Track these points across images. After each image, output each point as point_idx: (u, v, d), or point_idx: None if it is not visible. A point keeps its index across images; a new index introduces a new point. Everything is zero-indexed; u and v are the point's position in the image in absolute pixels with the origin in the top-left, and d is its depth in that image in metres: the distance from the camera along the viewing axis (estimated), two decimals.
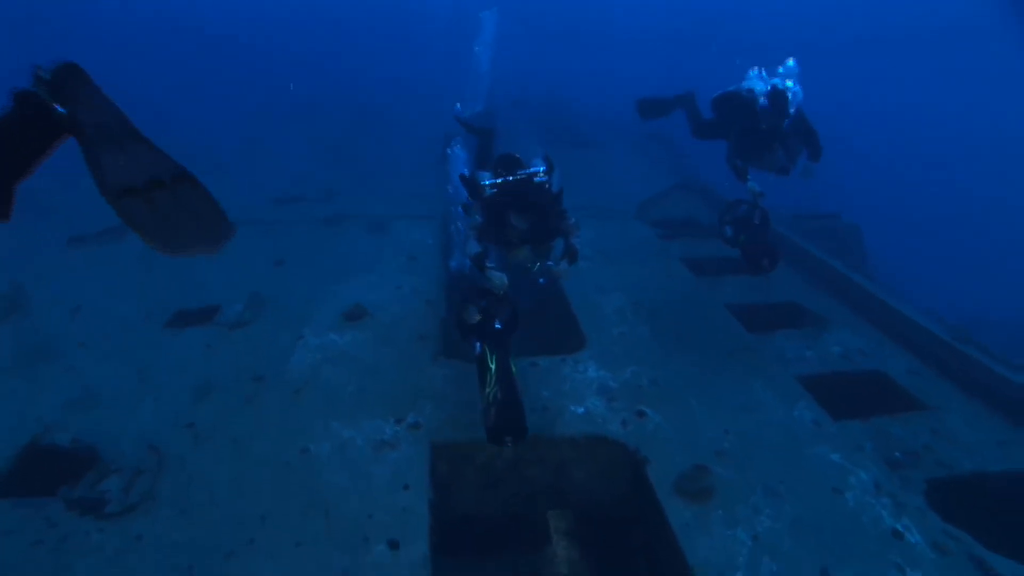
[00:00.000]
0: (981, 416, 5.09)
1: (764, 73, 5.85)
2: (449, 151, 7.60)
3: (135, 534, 3.61)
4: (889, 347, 6.04)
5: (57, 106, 1.72)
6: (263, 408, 4.56)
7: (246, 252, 7.05)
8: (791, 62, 5.75)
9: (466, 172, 5.14)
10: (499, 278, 4.68)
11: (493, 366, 4.08)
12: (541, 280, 5.02)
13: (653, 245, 7.75)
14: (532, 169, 4.72)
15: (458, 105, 9.41)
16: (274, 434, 4.27)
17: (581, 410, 4.45)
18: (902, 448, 4.62)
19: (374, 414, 4.40)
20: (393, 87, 17.68)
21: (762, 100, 5.67)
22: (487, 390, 3.99)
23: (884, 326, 6.34)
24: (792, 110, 5.65)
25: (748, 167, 5.98)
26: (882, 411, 4.99)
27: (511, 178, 4.68)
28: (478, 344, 4.30)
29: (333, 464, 3.99)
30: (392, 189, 9.40)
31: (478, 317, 4.40)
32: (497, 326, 4.36)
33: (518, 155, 4.91)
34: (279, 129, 13.43)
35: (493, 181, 4.69)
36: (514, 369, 4.17)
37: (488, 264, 4.75)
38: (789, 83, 5.67)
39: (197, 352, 5.40)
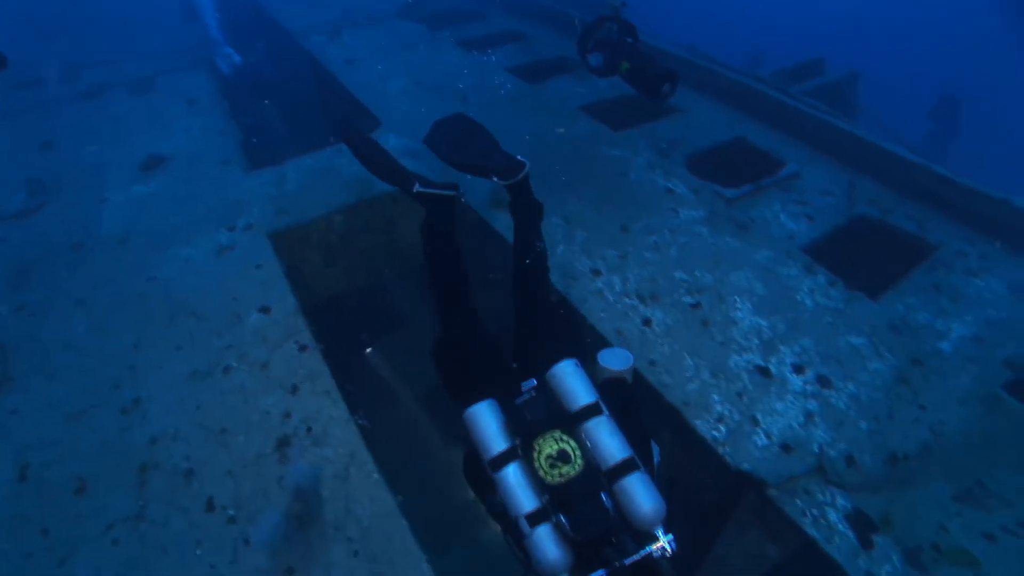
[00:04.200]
0: (717, 108, 6.17)
1: None
2: None
3: (10, 409, 3.54)
4: None
5: None
6: (94, 266, 4.48)
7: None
8: None
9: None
10: None
11: None
12: None
13: (424, 35, 7.90)
14: None
15: None
16: (115, 280, 4.26)
17: None
18: (666, 140, 5.52)
19: (206, 231, 4.50)
20: None
21: None
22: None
23: None
24: None
25: None
26: (652, 118, 5.87)
27: None
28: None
29: (183, 278, 4.12)
30: (144, 51, 8.54)
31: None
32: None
33: None
34: None
35: None
36: None
37: None
38: None
39: None
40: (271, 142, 6.19)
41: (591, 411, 2.22)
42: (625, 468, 2.09)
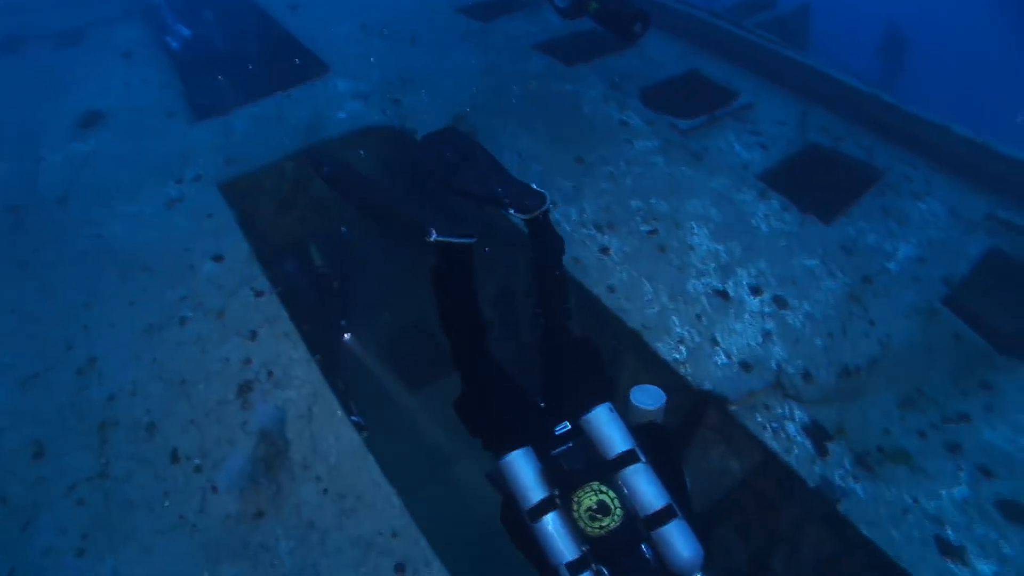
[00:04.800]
0: (670, 41, 6.10)
1: None
2: None
3: None
4: None
5: None
6: (35, 227, 4.27)
7: None
8: None
9: None
10: None
11: None
12: None
13: None
14: None
15: None
16: (58, 240, 4.07)
17: (343, 114, 4.69)
18: (619, 74, 5.44)
19: (153, 185, 4.31)
20: None
21: None
22: None
23: None
24: None
25: None
26: (605, 53, 5.78)
27: None
28: None
29: (132, 233, 3.97)
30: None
31: None
32: None
33: None
34: None
35: None
36: None
37: None
38: None
39: None
40: (216, 93, 5.93)
41: (628, 459, 2.19)
42: (664, 516, 2.08)
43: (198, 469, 2.90)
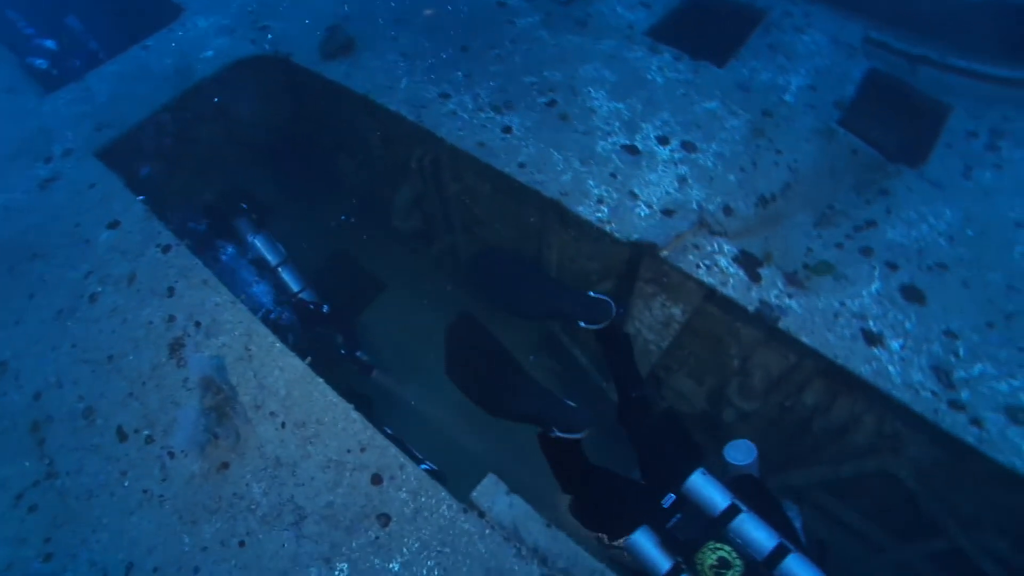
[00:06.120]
0: None
1: None
2: None
3: None
4: None
5: None
6: None
7: None
8: None
9: None
10: None
11: None
12: None
13: None
14: None
15: None
16: None
17: (210, 52, 4.32)
18: None
19: (18, 170, 3.86)
20: None
21: None
22: None
23: None
24: None
25: None
26: None
27: None
28: None
29: (8, 224, 3.58)
30: None
31: None
32: None
33: None
34: None
35: None
36: None
37: None
38: None
39: None
40: (62, 59, 5.31)
41: (732, 512, 2.44)
42: (779, 554, 2.31)
43: (149, 440, 2.76)
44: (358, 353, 4.57)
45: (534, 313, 3.04)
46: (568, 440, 2.84)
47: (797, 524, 2.67)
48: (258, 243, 4.34)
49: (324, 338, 4.44)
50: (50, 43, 5.50)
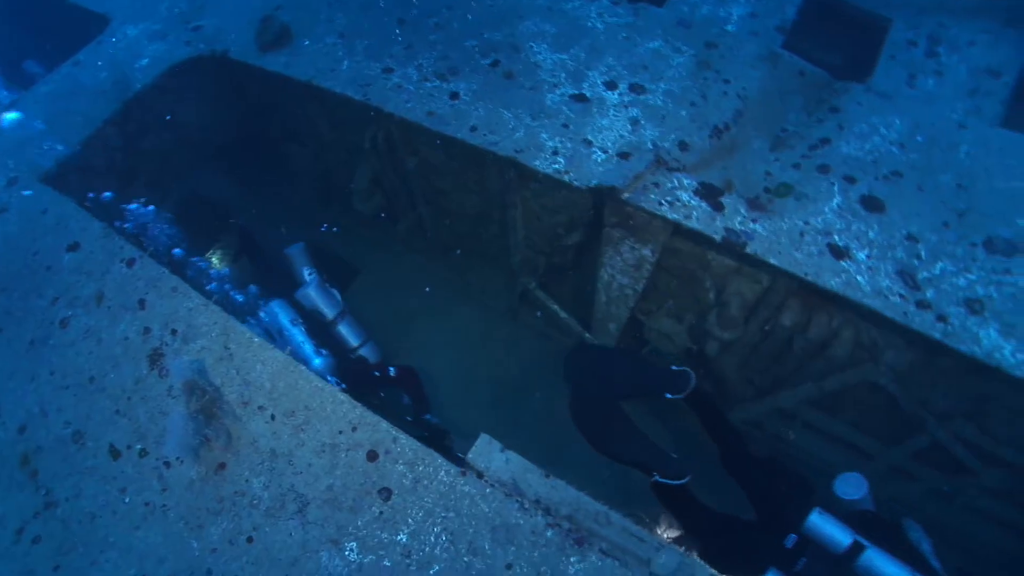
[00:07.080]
0: None
1: None
2: None
3: None
4: None
5: None
6: None
7: None
8: None
9: None
10: None
11: None
12: None
13: None
14: None
15: None
16: None
17: (145, 60, 4.19)
18: None
19: None
20: None
21: None
22: None
23: None
24: None
25: None
26: None
27: None
28: None
29: None
30: None
31: None
32: None
33: None
34: None
35: None
36: None
37: None
38: None
39: None
40: None
41: (856, 550, 2.50)
42: None
43: (143, 453, 2.74)
44: (427, 416, 4.10)
45: (625, 393, 3.42)
46: (673, 486, 2.96)
47: (925, 546, 2.73)
48: (311, 293, 4.02)
49: (388, 403, 4.03)
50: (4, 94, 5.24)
